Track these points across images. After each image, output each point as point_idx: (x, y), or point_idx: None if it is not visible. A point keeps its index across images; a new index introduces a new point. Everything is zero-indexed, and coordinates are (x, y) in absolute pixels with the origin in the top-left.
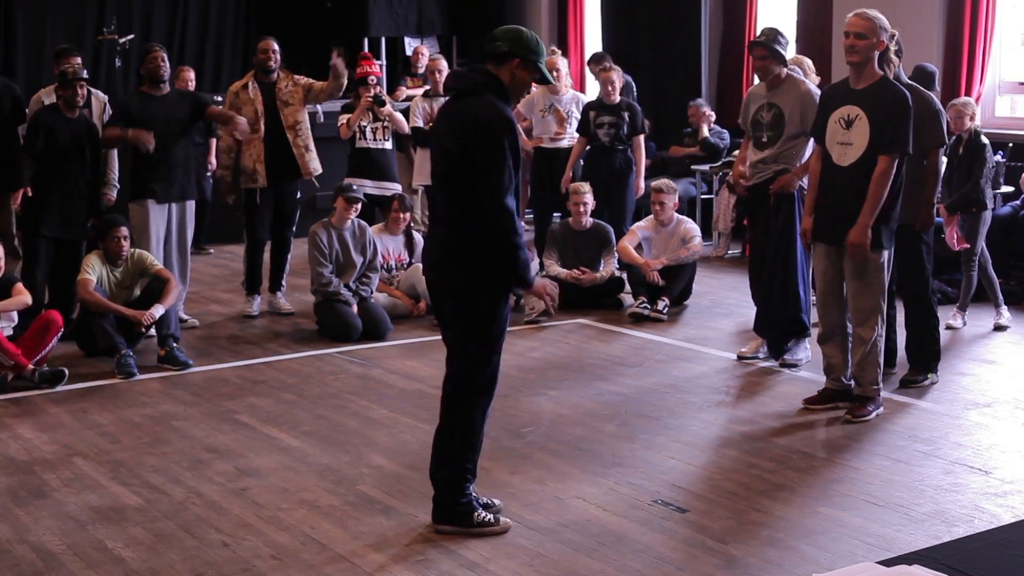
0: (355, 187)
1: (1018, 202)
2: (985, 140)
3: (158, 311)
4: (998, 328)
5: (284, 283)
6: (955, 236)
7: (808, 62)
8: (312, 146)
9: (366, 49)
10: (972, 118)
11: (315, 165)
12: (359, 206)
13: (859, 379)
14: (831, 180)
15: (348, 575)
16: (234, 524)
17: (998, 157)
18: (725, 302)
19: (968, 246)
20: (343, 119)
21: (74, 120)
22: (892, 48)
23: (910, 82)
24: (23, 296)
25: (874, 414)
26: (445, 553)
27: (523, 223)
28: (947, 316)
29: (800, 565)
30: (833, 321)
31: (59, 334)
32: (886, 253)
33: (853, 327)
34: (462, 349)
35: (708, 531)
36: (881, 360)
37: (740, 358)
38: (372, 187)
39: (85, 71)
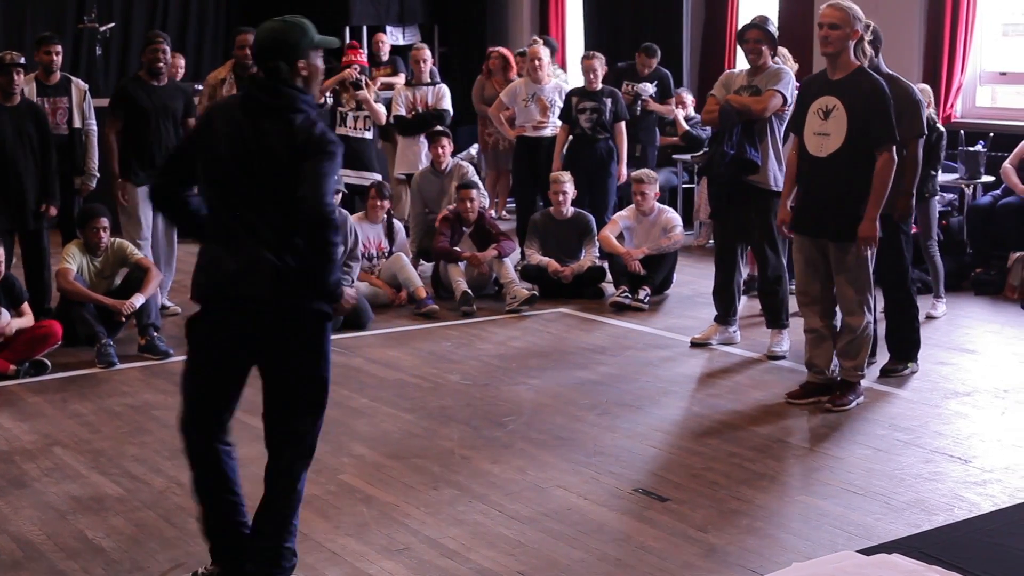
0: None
1: (998, 191)
2: (941, 128)
3: (138, 300)
4: (930, 318)
5: None
6: None
7: (785, 52)
8: None
9: (348, 38)
10: (928, 105)
11: None
12: (339, 196)
13: (843, 363)
14: (809, 172)
15: (328, 564)
16: None
17: (979, 147)
18: (706, 291)
19: (919, 230)
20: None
21: (14, 107)
22: (867, 37)
23: (890, 72)
24: (25, 319)
25: (854, 403)
26: (426, 542)
27: (505, 212)
28: (926, 306)
29: (780, 554)
30: (815, 313)
31: (54, 347)
32: None
33: (842, 317)
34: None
35: (688, 520)
36: (869, 347)
37: (693, 344)
38: (352, 176)
39: (23, 58)
